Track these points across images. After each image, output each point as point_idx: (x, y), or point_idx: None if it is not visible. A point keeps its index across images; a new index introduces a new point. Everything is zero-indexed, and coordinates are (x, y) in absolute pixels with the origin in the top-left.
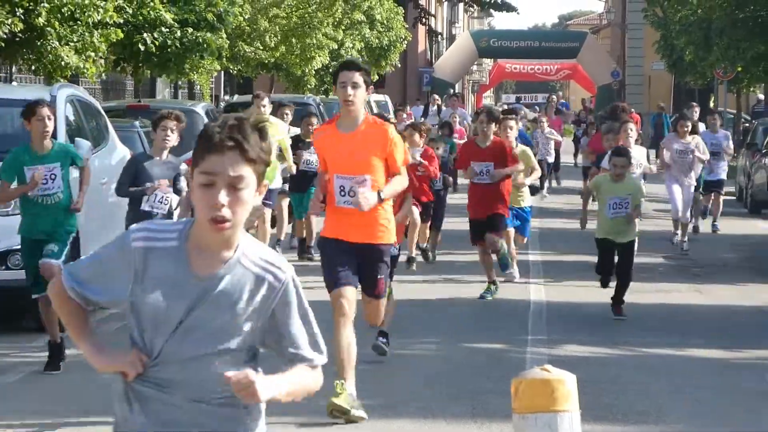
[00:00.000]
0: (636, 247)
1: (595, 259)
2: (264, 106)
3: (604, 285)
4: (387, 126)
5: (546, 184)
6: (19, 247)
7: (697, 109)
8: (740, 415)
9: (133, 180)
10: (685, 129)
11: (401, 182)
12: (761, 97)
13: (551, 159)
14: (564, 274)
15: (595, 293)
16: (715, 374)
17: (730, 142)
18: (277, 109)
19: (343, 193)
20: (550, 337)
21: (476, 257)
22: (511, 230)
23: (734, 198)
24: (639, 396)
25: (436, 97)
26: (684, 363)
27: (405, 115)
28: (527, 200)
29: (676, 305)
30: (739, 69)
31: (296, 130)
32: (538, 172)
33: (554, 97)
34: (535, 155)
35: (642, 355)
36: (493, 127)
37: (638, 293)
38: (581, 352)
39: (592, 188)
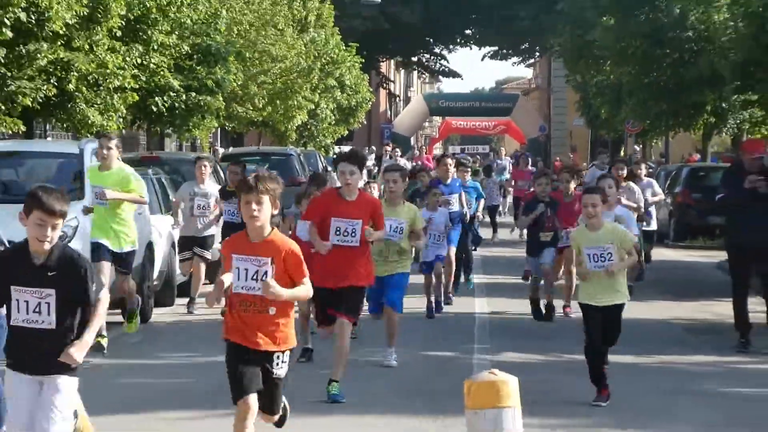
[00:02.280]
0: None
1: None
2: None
3: (594, 370)
4: None
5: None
6: None
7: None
8: (649, 406)
9: None
10: (621, 174)
11: None
12: (637, 148)
13: (495, 202)
14: (504, 293)
15: (530, 309)
16: (630, 375)
17: (657, 187)
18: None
19: None
20: (493, 345)
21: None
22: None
23: None
24: (569, 394)
25: (389, 147)
26: (611, 368)
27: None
28: (407, 265)
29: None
30: (646, 124)
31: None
32: (420, 240)
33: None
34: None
35: (569, 360)
36: (358, 177)
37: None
38: (519, 358)
39: (573, 247)
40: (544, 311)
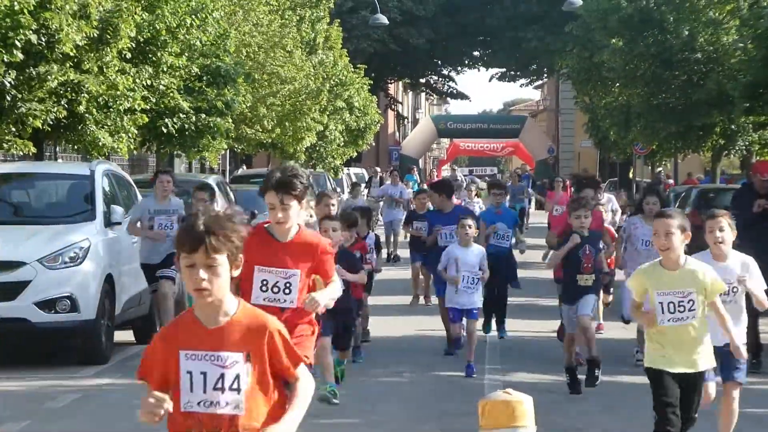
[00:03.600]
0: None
1: (545, 302)
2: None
3: None
4: None
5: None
6: (65, 294)
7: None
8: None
9: None
10: (653, 209)
11: None
12: (659, 169)
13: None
14: (514, 314)
15: (541, 330)
16: (640, 394)
17: None
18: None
19: None
20: (504, 366)
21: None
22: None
23: None
24: (579, 414)
25: (378, 169)
26: (614, 387)
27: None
28: None
29: (607, 339)
30: (654, 146)
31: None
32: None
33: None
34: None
35: (582, 380)
36: (296, 210)
37: None
38: (530, 379)
39: (633, 288)
40: (586, 376)
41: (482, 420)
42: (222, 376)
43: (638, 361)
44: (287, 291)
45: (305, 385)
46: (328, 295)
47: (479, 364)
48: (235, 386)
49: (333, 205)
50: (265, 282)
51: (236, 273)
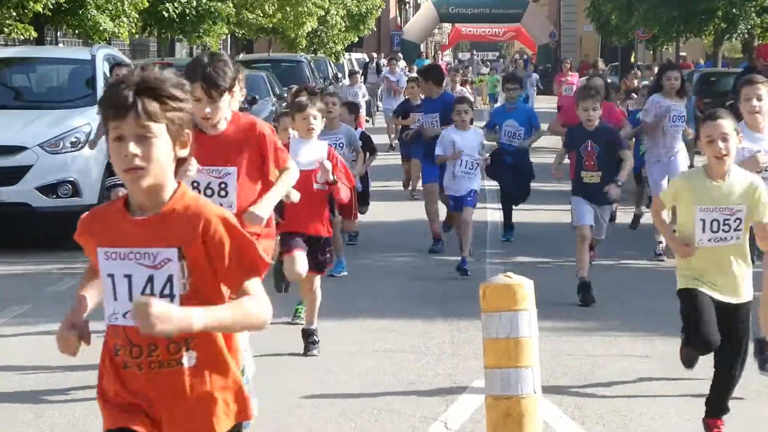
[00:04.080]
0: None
1: (547, 187)
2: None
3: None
4: None
5: None
6: (67, 179)
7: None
8: (661, 309)
9: None
10: (674, 85)
11: None
12: (683, 54)
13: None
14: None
15: (540, 216)
16: (644, 280)
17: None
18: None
19: None
20: (505, 251)
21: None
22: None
23: None
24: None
25: (375, 55)
26: (617, 271)
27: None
28: None
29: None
30: (656, 30)
31: None
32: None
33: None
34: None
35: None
36: (228, 96)
37: None
38: (531, 264)
39: (665, 198)
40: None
41: (483, 303)
42: (151, 278)
43: (658, 254)
44: (222, 193)
45: (254, 304)
46: (275, 197)
47: (479, 249)
48: (167, 291)
49: (335, 104)
50: (195, 184)
51: (183, 153)
